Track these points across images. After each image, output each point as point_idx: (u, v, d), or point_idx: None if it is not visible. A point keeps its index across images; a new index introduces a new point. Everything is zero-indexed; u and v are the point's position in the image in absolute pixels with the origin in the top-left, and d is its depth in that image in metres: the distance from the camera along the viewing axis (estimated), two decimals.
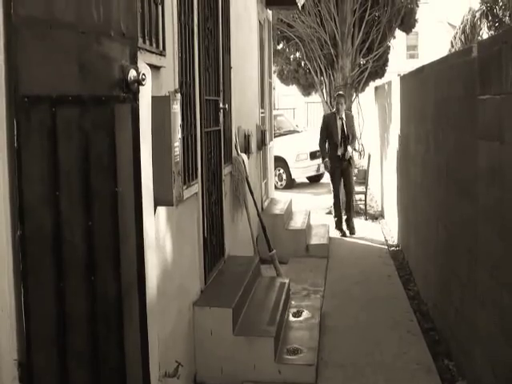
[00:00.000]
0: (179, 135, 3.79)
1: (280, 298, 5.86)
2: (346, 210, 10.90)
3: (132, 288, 2.84)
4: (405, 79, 8.90)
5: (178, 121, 3.76)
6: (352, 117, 11.18)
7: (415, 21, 14.44)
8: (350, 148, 10.56)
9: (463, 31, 20.02)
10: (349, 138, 10.55)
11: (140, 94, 2.86)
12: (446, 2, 33.63)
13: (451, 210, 5.49)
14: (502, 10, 15.16)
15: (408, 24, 14.24)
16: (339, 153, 10.47)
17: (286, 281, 6.47)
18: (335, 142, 10.49)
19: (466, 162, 4.87)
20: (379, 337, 5.89)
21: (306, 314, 6.02)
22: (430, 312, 6.50)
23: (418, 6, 14.29)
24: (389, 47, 14.11)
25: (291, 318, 5.90)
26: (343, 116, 10.65)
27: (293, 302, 6.41)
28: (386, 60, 14.25)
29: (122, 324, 2.72)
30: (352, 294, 7.17)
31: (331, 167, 10.68)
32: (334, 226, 10.77)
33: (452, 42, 21.42)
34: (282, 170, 17.27)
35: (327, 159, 10.66)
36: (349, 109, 13.37)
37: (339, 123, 10.56)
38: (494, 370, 4.07)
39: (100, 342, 2.56)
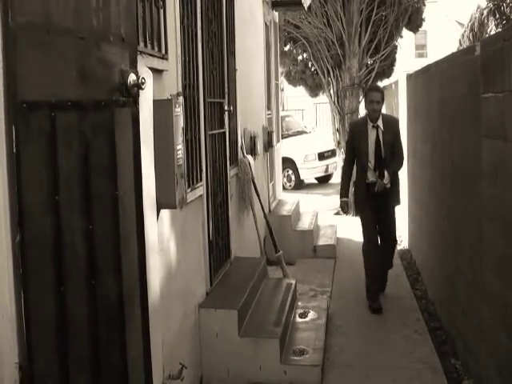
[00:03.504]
0: (182, 138, 3.81)
1: (286, 299, 5.87)
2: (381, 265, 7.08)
3: (134, 291, 2.85)
4: (411, 78, 8.90)
5: (181, 124, 3.77)
6: (396, 124, 7.11)
7: (422, 20, 14.41)
8: (386, 175, 6.70)
9: (471, 29, 19.96)
10: (385, 158, 6.73)
11: (141, 98, 2.88)
12: (455, 1, 33.51)
13: (457, 208, 5.48)
14: (510, 7, 15.15)
15: (415, 23, 14.21)
16: (369, 180, 6.76)
17: (293, 282, 6.49)
18: (363, 162, 6.78)
19: (470, 160, 4.87)
20: (386, 336, 5.89)
21: (312, 314, 6.03)
22: (437, 311, 6.50)
23: (424, 5, 14.26)
24: (396, 47, 14.08)
25: (298, 319, 5.92)
26: (380, 124, 6.76)
27: (299, 303, 6.42)
28: (394, 60, 14.21)
29: (124, 328, 2.73)
30: (359, 294, 7.15)
31: (358, 202, 7.11)
32: (365, 291, 6.96)
33: (460, 41, 21.35)
34: (290, 171, 17.30)
35: (345, 199, 7.06)
36: (353, 110, 13.26)
37: (372, 135, 6.73)
38: (500, 368, 4.07)
39: (101, 346, 2.57)
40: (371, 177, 6.76)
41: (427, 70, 7.28)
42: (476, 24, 19.12)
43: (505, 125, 3.83)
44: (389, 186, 6.74)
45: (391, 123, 6.95)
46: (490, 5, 16.22)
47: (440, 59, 6.40)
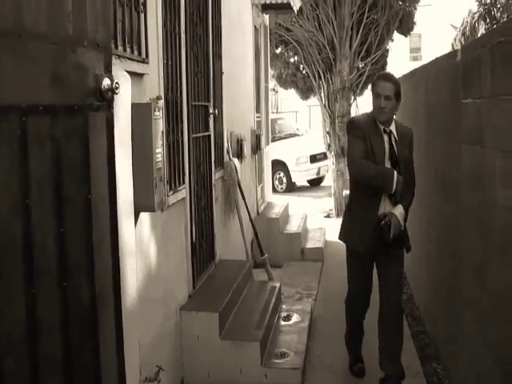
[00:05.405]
0: (162, 142, 3.82)
1: (270, 301, 5.89)
2: (382, 345, 5.03)
3: (107, 294, 2.86)
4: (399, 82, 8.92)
5: (160, 127, 3.79)
6: (411, 136, 5.03)
7: (414, 23, 14.46)
8: (401, 209, 4.73)
9: (463, 33, 20.03)
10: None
11: (118, 102, 2.90)
12: (449, 5, 33.66)
13: (439, 213, 5.52)
14: (500, 12, 15.25)
15: (406, 26, 14.26)
16: (381, 211, 4.74)
17: (277, 285, 6.51)
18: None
19: (452, 165, 4.89)
20: (369, 340, 5.88)
21: (295, 317, 6.06)
22: (421, 315, 6.52)
23: (416, 9, 14.31)
24: (387, 50, 14.13)
25: (281, 322, 5.95)
26: (393, 129, 4.84)
27: (284, 306, 6.44)
28: (385, 63, 14.26)
29: (97, 330, 2.74)
30: (345, 297, 7.18)
31: (354, 242, 4.93)
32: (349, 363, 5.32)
33: (453, 44, 21.42)
34: (282, 174, 17.33)
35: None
36: (344, 114, 13.28)
37: (385, 143, 4.78)
38: (477, 373, 4.09)
39: (73, 349, 2.58)
40: (384, 208, 4.76)
41: (414, 74, 7.31)
42: (468, 28, 19.19)
43: (482, 131, 3.86)
44: (403, 227, 4.77)
45: (406, 134, 4.97)
46: (481, 9, 16.35)
47: (425, 64, 6.44)
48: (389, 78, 4.84)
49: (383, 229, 4.67)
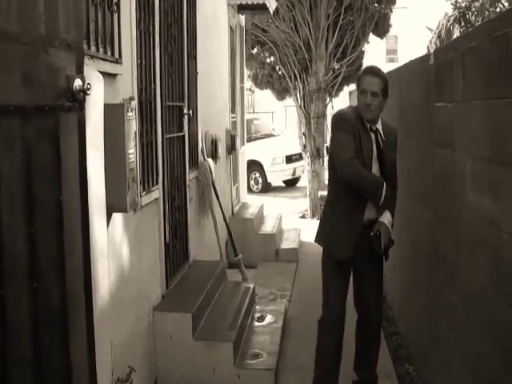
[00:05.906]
0: (135, 142, 3.82)
1: (243, 302, 5.90)
2: (359, 355, 4.89)
3: (79, 295, 2.85)
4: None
5: (133, 128, 3.78)
6: (396, 136, 4.76)
7: (390, 25, 14.55)
8: (388, 217, 4.49)
9: (439, 36, 20.17)
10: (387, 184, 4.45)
11: (91, 102, 2.89)
12: (425, 7, 33.93)
13: (413, 216, 5.55)
14: (475, 15, 15.43)
15: (382, 29, 14.35)
16: (367, 217, 4.45)
17: (251, 286, 6.52)
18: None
19: (425, 168, 4.93)
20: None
21: (269, 318, 6.08)
22: (394, 316, 6.56)
23: (391, 11, 14.40)
24: (363, 52, 14.22)
25: (255, 323, 5.95)
26: (379, 128, 4.51)
27: (258, 307, 6.45)
28: (360, 64, 14.33)
29: (68, 332, 2.73)
30: (319, 298, 7.14)
31: (334, 249, 4.54)
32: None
33: (428, 47, 21.56)
34: (257, 174, 17.36)
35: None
36: (319, 115, 13.36)
37: (372, 142, 4.45)
38: (448, 375, 4.13)
39: (44, 351, 2.57)
40: (370, 214, 4.46)
41: (388, 76, 7.33)
42: (443, 31, 19.34)
43: (453, 135, 3.89)
44: (393, 235, 4.52)
45: (391, 133, 4.65)
46: (456, 13, 16.52)
47: (399, 66, 6.48)
48: (376, 72, 4.49)
49: (373, 241, 4.36)
